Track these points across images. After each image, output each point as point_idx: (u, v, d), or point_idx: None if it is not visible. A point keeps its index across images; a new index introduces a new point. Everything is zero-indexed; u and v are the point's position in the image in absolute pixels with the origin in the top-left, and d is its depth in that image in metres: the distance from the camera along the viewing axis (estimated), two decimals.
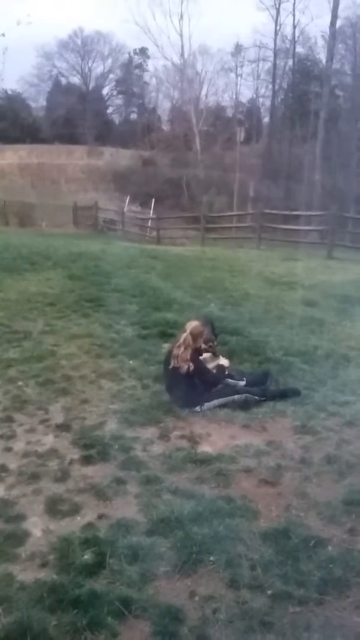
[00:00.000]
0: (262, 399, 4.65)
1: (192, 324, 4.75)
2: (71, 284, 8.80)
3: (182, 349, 4.59)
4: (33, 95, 55.09)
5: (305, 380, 5.14)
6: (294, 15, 40.60)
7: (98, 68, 55.90)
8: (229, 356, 5.59)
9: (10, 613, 2.40)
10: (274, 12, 41.47)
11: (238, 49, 49.99)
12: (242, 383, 4.83)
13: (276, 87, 46.36)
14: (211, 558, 2.76)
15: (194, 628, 2.36)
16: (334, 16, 32.44)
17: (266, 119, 51.67)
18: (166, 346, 5.91)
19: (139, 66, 58.68)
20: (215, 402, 4.54)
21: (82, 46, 54.22)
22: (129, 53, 56.83)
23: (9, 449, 3.87)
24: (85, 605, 2.42)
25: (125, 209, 29.24)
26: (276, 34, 42.29)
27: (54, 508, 3.19)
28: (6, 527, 3.00)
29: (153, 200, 34.17)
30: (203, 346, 4.84)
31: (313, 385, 5.05)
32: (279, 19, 41.59)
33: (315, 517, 3.14)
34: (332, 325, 7.09)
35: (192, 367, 4.55)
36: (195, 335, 4.65)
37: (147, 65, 58.06)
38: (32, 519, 3.10)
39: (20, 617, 2.36)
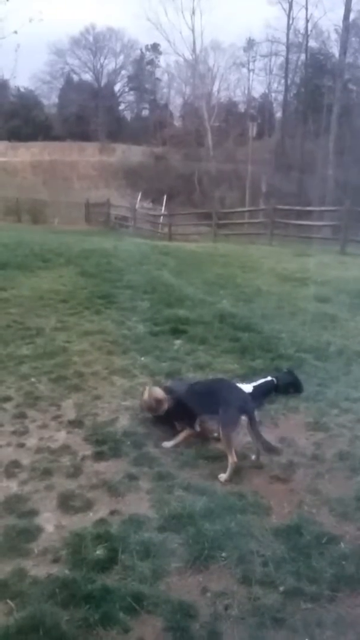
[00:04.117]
0: None
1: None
2: (83, 281, 8.81)
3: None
4: (45, 93, 55.46)
5: (317, 376, 5.12)
6: (306, 9, 40.48)
7: (110, 64, 56.13)
8: (241, 353, 5.60)
9: (23, 608, 2.42)
10: (286, 6, 41.38)
11: (250, 43, 49.98)
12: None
13: (289, 82, 46.17)
14: (223, 554, 2.76)
15: (206, 624, 2.37)
16: (348, 9, 32.21)
17: (279, 114, 51.57)
18: (178, 343, 5.93)
19: (151, 62, 58.75)
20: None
21: (94, 43, 54.40)
22: (141, 49, 57.01)
23: (21, 445, 3.89)
24: (98, 600, 2.44)
25: (137, 206, 29.30)
26: (289, 28, 42.16)
27: (67, 504, 3.21)
28: (19, 522, 3.03)
29: (165, 196, 34.18)
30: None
31: (326, 381, 5.02)
32: (291, 13, 41.46)
33: (327, 514, 3.13)
34: (345, 321, 7.04)
35: None
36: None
37: (159, 61, 58.23)
38: (44, 514, 3.12)
39: (32, 611, 2.38)
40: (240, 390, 3.97)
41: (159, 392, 4.14)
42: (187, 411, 4.02)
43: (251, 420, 3.63)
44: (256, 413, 3.99)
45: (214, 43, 48.75)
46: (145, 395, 4.18)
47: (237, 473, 3.53)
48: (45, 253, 11.16)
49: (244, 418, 3.65)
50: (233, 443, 3.61)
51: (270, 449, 3.67)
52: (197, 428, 3.99)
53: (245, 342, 5.90)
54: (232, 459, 3.52)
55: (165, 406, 4.09)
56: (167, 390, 4.18)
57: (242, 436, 4.03)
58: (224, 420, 3.65)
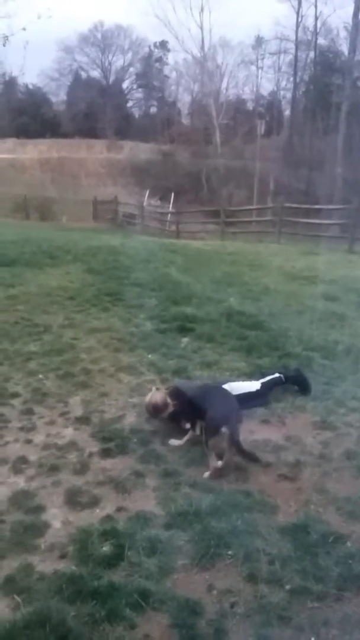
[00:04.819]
0: None
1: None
2: (91, 278, 8.83)
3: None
4: (53, 90, 55.60)
5: (325, 375, 5.10)
6: (315, 7, 40.30)
7: (118, 62, 56.18)
8: (248, 351, 5.59)
9: (30, 603, 2.43)
10: (295, 3, 41.19)
11: (259, 41, 49.92)
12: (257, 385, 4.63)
13: (297, 80, 46.02)
14: (229, 552, 2.76)
15: (212, 621, 2.37)
16: (357, 6, 31.90)
17: (287, 112, 51.51)
18: (185, 340, 5.92)
19: (159, 59, 58.69)
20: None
21: (103, 40, 54.48)
22: (149, 46, 56.98)
23: (29, 441, 3.90)
24: (104, 596, 2.45)
25: (144, 203, 29.28)
26: (297, 25, 42.03)
27: (73, 500, 3.22)
28: (26, 518, 3.04)
29: (172, 194, 34.13)
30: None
31: (333, 380, 5.00)
32: (300, 10, 41.29)
33: (334, 513, 3.12)
34: (352, 320, 7.02)
35: None
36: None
37: (167, 58, 58.17)
38: (51, 510, 3.13)
39: (39, 607, 2.38)
40: (226, 399, 3.88)
41: (159, 398, 4.08)
42: (186, 415, 4.00)
43: (232, 433, 3.51)
44: (261, 412, 3.96)
45: (223, 40, 48.61)
46: (147, 399, 4.16)
47: (244, 471, 3.52)
48: (52, 250, 11.19)
49: (224, 430, 3.52)
50: (213, 451, 3.54)
51: (252, 459, 3.58)
52: (198, 432, 3.96)
53: (252, 340, 5.89)
54: (211, 463, 3.50)
55: (167, 411, 4.05)
56: (174, 392, 4.15)
57: (249, 433, 4.04)
58: (206, 428, 3.64)
